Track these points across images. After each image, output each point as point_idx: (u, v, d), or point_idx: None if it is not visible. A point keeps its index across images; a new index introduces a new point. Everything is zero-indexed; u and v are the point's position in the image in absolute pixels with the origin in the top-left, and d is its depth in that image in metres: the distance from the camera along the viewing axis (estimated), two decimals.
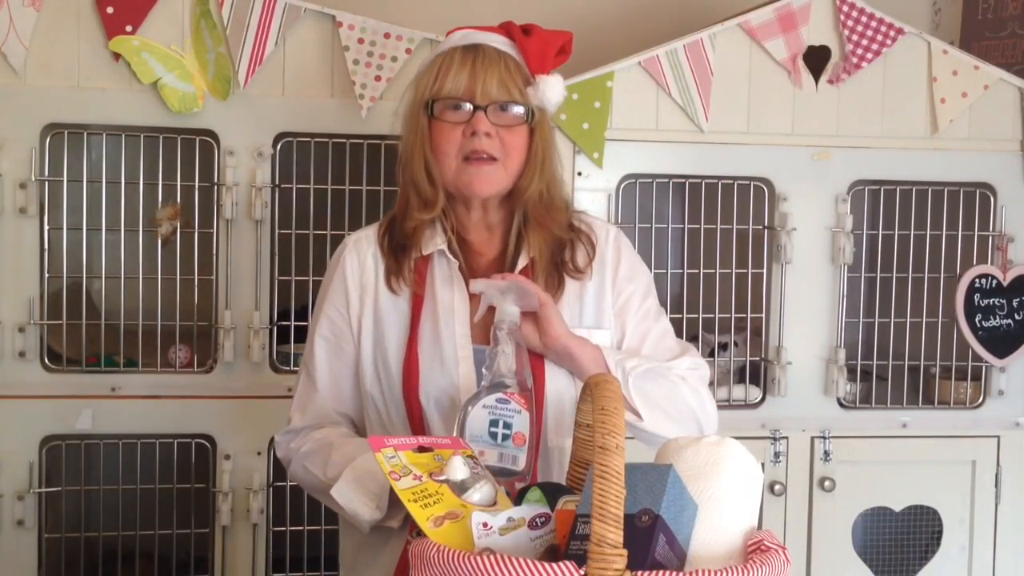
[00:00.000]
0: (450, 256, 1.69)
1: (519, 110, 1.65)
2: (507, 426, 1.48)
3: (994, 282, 2.69)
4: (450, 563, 1.17)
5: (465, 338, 1.67)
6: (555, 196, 1.73)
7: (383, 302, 1.70)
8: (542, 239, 1.70)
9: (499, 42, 1.68)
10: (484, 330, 1.68)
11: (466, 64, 1.64)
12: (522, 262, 1.69)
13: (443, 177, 1.67)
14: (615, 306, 1.74)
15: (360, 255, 1.73)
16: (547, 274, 1.70)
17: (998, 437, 2.72)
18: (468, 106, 1.63)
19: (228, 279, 2.47)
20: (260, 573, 2.51)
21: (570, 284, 1.72)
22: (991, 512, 2.73)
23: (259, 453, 2.49)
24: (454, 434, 1.50)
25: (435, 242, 1.70)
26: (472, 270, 1.72)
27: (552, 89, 1.67)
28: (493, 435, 1.48)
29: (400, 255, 1.70)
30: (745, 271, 2.64)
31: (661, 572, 1.14)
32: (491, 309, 1.60)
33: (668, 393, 1.68)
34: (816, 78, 2.59)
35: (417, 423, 1.65)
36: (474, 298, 1.70)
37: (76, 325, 2.46)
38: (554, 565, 1.12)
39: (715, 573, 1.15)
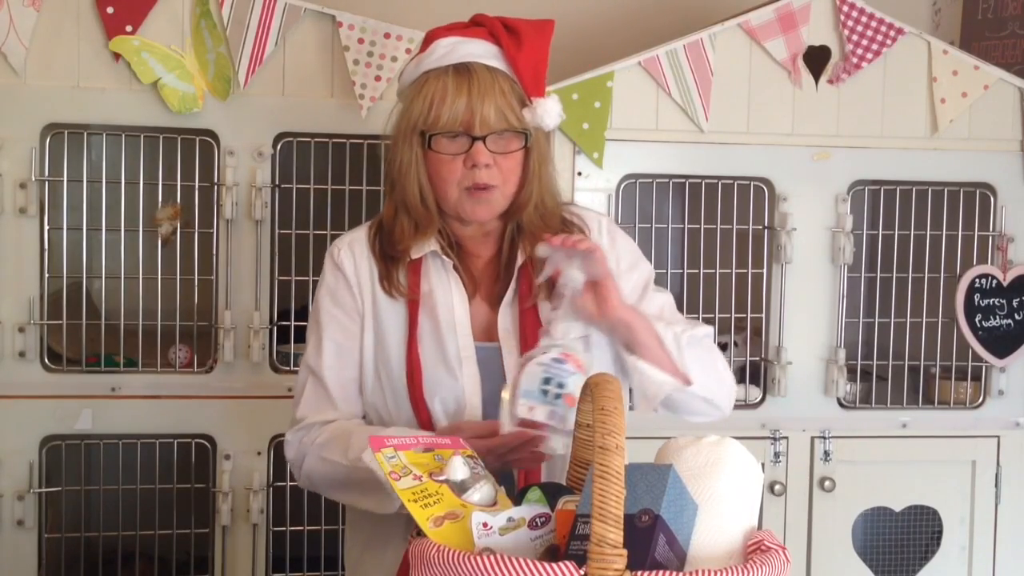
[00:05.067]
0: (444, 257, 1.69)
1: (518, 137, 1.64)
2: (560, 385, 1.45)
3: (994, 282, 2.69)
4: (450, 563, 1.17)
5: (467, 338, 1.66)
6: (549, 203, 1.72)
7: (381, 306, 1.69)
8: (536, 242, 1.69)
9: (487, 53, 1.65)
10: (486, 329, 1.68)
11: (462, 92, 1.61)
12: (518, 262, 1.69)
13: (442, 203, 1.66)
14: (627, 297, 1.74)
15: (356, 258, 1.71)
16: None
17: (998, 437, 2.72)
18: (466, 136, 1.61)
19: (228, 279, 2.47)
20: (260, 573, 2.51)
21: None
22: (991, 512, 2.72)
23: (259, 453, 2.49)
24: (507, 391, 1.48)
25: (428, 245, 1.68)
26: (467, 271, 1.71)
27: (549, 113, 1.64)
28: (544, 392, 1.45)
29: (390, 262, 1.69)
30: (745, 271, 2.64)
31: (661, 572, 1.14)
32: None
33: (709, 358, 1.69)
34: (816, 78, 2.59)
35: (426, 427, 1.64)
36: (475, 296, 1.70)
37: (76, 325, 2.46)
38: (554, 565, 1.12)
39: (715, 573, 1.15)
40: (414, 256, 1.68)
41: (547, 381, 1.46)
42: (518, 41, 1.66)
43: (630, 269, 1.76)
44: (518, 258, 1.70)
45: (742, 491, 1.28)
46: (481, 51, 1.65)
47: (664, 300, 1.77)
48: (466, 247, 1.72)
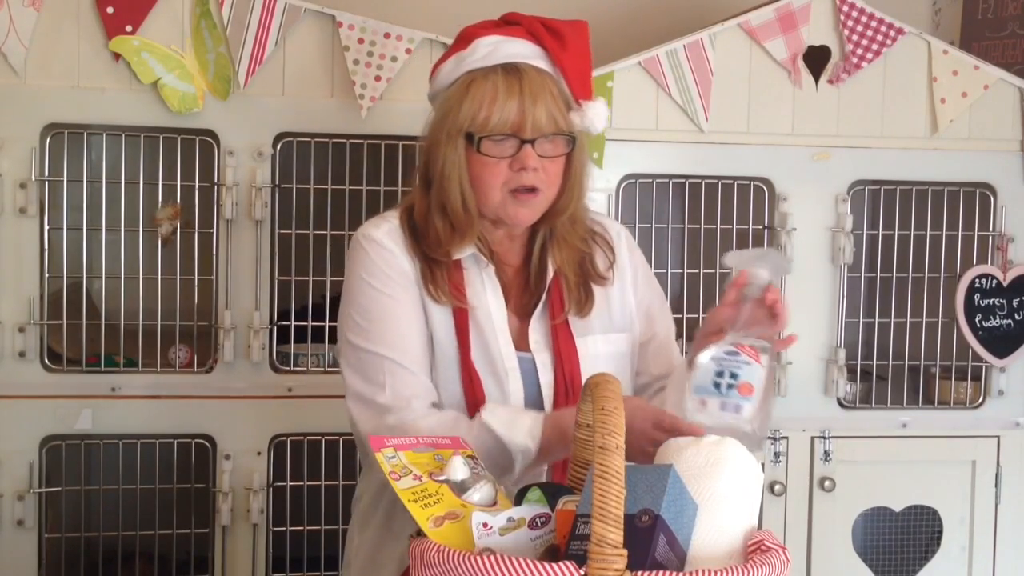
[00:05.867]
0: (483, 259, 1.65)
1: (566, 140, 1.61)
2: (733, 376, 1.43)
3: (994, 282, 2.69)
4: (450, 563, 1.17)
5: (509, 347, 1.64)
6: (580, 210, 1.70)
7: (427, 302, 1.64)
8: (566, 249, 1.69)
9: (533, 54, 1.62)
10: (516, 338, 1.66)
11: (512, 94, 1.57)
12: (549, 273, 1.68)
13: (483, 207, 1.62)
14: (639, 309, 1.74)
15: (397, 247, 1.64)
16: (577, 287, 1.68)
17: (998, 437, 2.72)
18: (514, 139, 1.58)
19: (228, 279, 2.47)
20: (260, 573, 2.51)
21: (596, 293, 1.70)
22: (991, 512, 2.72)
23: (259, 453, 2.49)
24: (686, 391, 1.45)
25: (467, 248, 1.65)
26: (499, 279, 1.68)
27: (599, 116, 1.63)
28: (717, 385, 1.42)
29: (433, 263, 1.64)
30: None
31: (661, 572, 1.14)
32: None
33: None
34: (816, 78, 2.59)
35: None
36: (509, 301, 1.67)
37: (76, 325, 2.45)
38: (554, 565, 1.12)
39: (715, 573, 1.15)
40: (454, 256, 1.64)
41: (720, 374, 1.43)
42: (562, 42, 1.63)
43: (647, 283, 1.77)
44: (549, 268, 1.68)
45: (742, 491, 1.28)
46: (526, 51, 1.62)
47: (671, 322, 1.79)
48: (496, 253, 1.68)
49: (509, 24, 1.66)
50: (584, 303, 1.68)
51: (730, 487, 1.27)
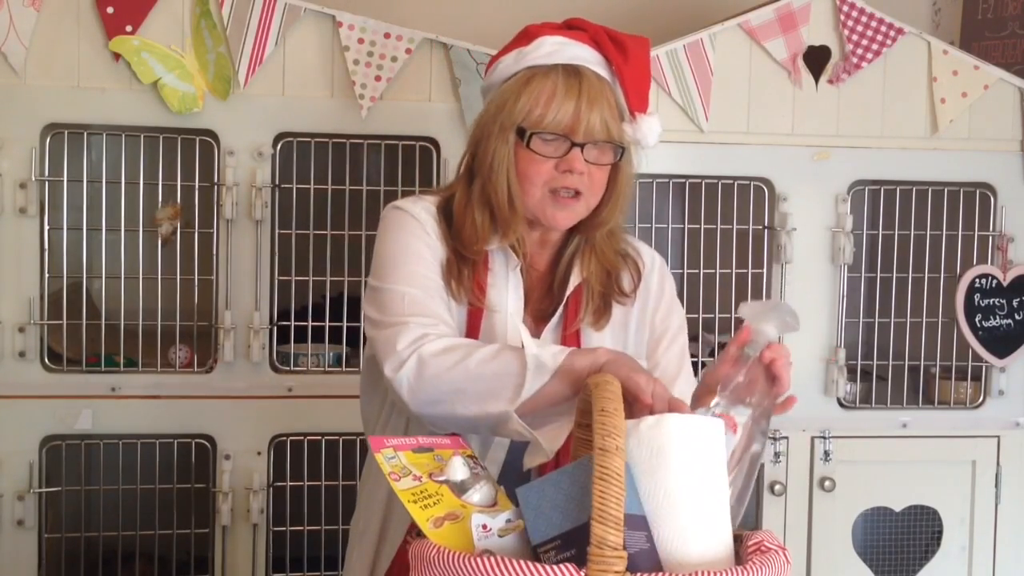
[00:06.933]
0: (513, 257, 1.64)
1: (614, 150, 1.61)
2: None
3: (994, 282, 2.69)
4: (450, 564, 1.17)
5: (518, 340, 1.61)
6: (619, 223, 1.70)
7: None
8: (595, 261, 1.68)
9: (594, 60, 1.61)
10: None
11: (571, 95, 1.57)
12: (574, 281, 1.67)
13: (523, 204, 1.61)
14: (651, 335, 1.73)
15: (431, 225, 1.63)
16: (598, 300, 1.67)
17: (998, 437, 2.72)
18: (565, 140, 1.58)
19: (228, 279, 2.47)
20: (260, 573, 2.51)
21: (615, 310, 1.69)
22: (991, 512, 2.72)
23: (259, 453, 2.49)
24: None
25: (495, 241, 1.64)
26: (523, 281, 1.67)
27: (652, 131, 1.62)
28: None
29: (461, 260, 1.62)
30: (745, 271, 2.64)
31: (662, 574, 1.14)
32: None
33: None
34: (816, 78, 2.59)
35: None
36: (528, 305, 1.65)
37: (76, 325, 2.45)
38: (553, 566, 1.12)
39: (715, 574, 1.15)
40: (487, 247, 1.63)
41: None
42: (624, 53, 1.63)
43: (668, 312, 1.75)
44: (574, 277, 1.66)
45: (700, 470, 1.23)
46: (588, 56, 1.61)
47: (681, 358, 1.75)
48: (526, 255, 1.67)
49: (573, 28, 1.66)
50: (601, 315, 1.67)
51: (684, 474, 1.22)
